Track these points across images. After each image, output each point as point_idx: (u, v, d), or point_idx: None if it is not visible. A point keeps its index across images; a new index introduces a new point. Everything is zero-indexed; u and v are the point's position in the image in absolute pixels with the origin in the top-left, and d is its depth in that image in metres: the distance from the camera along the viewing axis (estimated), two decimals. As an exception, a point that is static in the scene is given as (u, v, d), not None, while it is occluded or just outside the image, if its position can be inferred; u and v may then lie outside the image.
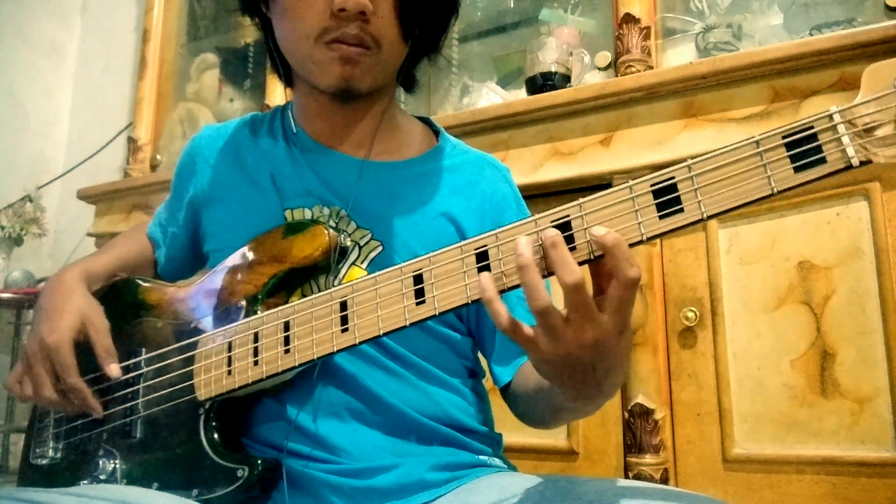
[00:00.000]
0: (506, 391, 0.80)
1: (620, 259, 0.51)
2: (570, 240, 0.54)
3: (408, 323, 0.60)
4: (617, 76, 1.40)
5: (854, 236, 1.16)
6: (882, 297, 1.13)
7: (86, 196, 2.21)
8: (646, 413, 1.24)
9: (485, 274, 0.55)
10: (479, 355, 0.86)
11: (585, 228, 0.53)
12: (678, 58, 1.49)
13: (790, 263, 1.21)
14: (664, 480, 1.23)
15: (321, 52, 0.72)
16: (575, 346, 0.53)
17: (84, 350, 0.76)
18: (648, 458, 1.23)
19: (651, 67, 1.39)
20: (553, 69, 1.52)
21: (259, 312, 0.71)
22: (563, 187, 1.39)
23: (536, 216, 0.56)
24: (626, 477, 1.25)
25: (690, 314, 1.25)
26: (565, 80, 1.53)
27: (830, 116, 0.48)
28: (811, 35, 1.32)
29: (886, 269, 1.13)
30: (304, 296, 0.72)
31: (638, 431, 1.24)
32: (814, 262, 1.19)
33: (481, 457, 0.77)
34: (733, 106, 1.25)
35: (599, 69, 1.53)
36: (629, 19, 1.42)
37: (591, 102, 1.37)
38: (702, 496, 0.60)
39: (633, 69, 1.38)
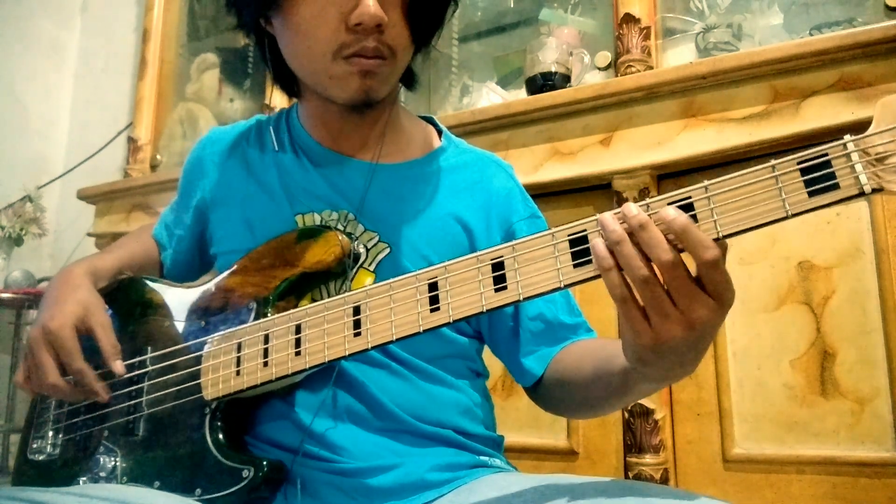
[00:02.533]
0: (536, 385, 0.78)
1: (693, 244, 0.50)
2: (585, 253, 0.55)
3: (422, 329, 0.60)
4: (617, 76, 1.41)
5: (854, 236, 1.16)
6: (882, 297, 1.13)
7: (86, 196, 2.21)
8: (646, 413, 1.24)
9: (598, 241, 0.53)
10: (482, 357, 0.86)
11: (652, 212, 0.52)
12: (678, 58, 1.49)
13: (790, 263, 1.21)
14: (664, 480, 1.23)
15: (339, 67, 0.72)
16: (685, 327, 0.52)
17: (88, 347, 0.76)
18: (648, 458, 1.23)
19: (651, 67, 1.39)
20: (553, 69, 1.52)
21: (269, 315, 0.72)
22: (563, 187, 1.39)
23: (553, 229, 0.57)
24: (626, 477, 1.25)
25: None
26: (565, 80, 1.53)
27: (844, 145, 0.49)
28: (811, 35, 1.32)
29: (886, 269, 1.13)
30: (313, 300, 0.72)
31: (638, 431, 1.24)
32: (814, 262, 1.19)
33: (482, 457, 0.77)
34: (733, 106, 1.26)
35: (599, 69, 1.53)
36: (629, 19, 1.42)
37: (591, 102, 1.37)
38: (702, 496, 0.60)
39: (633, 69, 1.38)
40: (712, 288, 0.51)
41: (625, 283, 0.52)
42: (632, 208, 0.52)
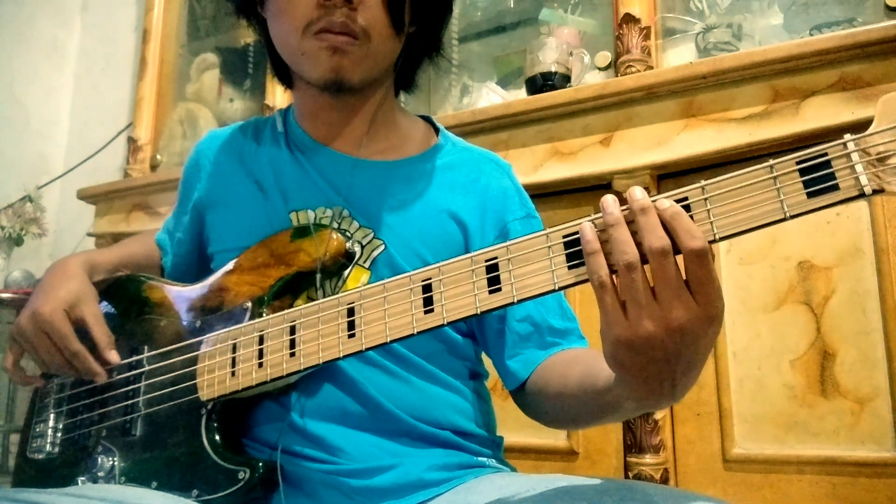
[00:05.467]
0: (520, 390, 0.77)
1: (680, 231, 0.49)
2: (581, 254, 0.54)
3: (415, 331, 0.60)
4: (617, 76, 1.40)
5: (854, 236, 1.16)
6: (882, 297, 1.13)
7: (86, 196, 2.21)
8: (646, 413, 1.24)
9: (585, 223, 0.53)
10: (480, 357, 0.85)
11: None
12: (678, 58, 1.49)
13: (790, 263, 1.21)
14: (664, 480, 1.23)
15: (309, 43, 0.73)
16: (661, 326, 0.50)
17: (81, 339, 0.77)
18: (648, 458, 1.23)
19: (651, 67, 1.39)
20: (553, 69, 1.52)
21: (264, 314, 0.72)
22: (563, 187, 1.39)
23: (548, 230, 0.56)
24: (626, 477, 1.25)
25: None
26: (565, 80, 1.53)
27: (844, 144, 0.48)
28: (811, 35, 1.32)
29: (886, 269, 1.13)
30: (309, 299, 0.72)
31: (638, 431, 1.24)
32: (814, 262, 1.19)
33: (480, 458, 0.76)
34: (733, 106, 1.25)
35: (599, 69, 1.53)
36: (629, 19, 1.42)
37: (591, 102, 1.37)
38: (702, 496, 0.60)
39: (633, 69, 1.38)
40: (697, 288, 0.49)
41: (607, 269, 0.51)
42: (637, 192, 0.51)
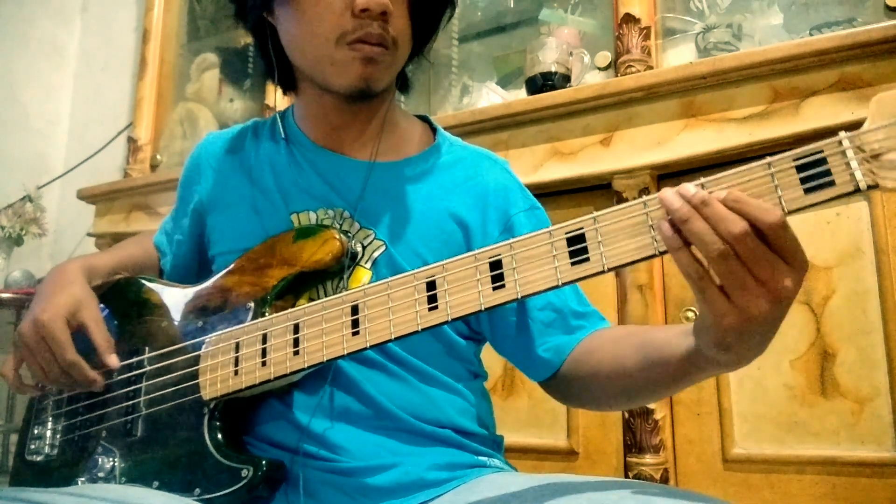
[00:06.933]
0: (553, 378, 0.76)
1: (753, 211, 0.49)
2: (583, 251, 0.55)
3: (420, 328, 0.61)
4: (617, 76, 1.40)
5: (854, 236, 1.16)
6: (882, 297, 1.13)
7: (86, 196, 2.21)
8: (646, 413, 1.24)
9: (663, 222, 0.52)
10: (479, 358, 0.85)
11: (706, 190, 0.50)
12: (678, 58, 1.49)
13: (790, 263, 1.21)
14: (664, 480, 1.23)
15: (342, 53, 0.73)
16: (773, 301, 0.50)
17: (82, 344, 0.77)
18: (648, 458, 1.23)
19: (651, 67, 1.39)
20: (553, 69, 1.52)
21: (267, 314, 0.72)
22: (563, 187, 1.39)
23: (551, 228, 0.57)
24: (626, 477, 1.25)
25: (690, 314, 1.25)
26: (565, 80, 1.53)
27: (840, 142, 0.49)
28: (811, 35, 1.32)
29: (886, 269, 1.13)
30: (311, 300, 0.72)
31: (638, 431, 1.24)
32: (814, 262, 1.19)
33: (481, 458, 0.76)
34: (733, 106, 1.25)
35: (599, 69, 1.53)
36: (629, 19, 1.42)
37: (591, 102, 1.37)
38: (702, 496, 0.60)
39: (633, 69, 1.38)
40: (788, 254, 0.50)
41: (697, 261, 0.51)
42: (689, 188, 0.51)
